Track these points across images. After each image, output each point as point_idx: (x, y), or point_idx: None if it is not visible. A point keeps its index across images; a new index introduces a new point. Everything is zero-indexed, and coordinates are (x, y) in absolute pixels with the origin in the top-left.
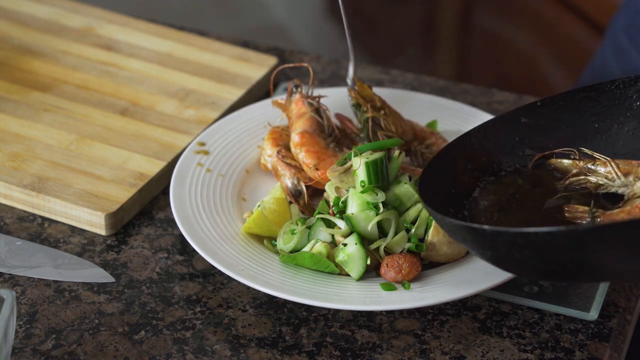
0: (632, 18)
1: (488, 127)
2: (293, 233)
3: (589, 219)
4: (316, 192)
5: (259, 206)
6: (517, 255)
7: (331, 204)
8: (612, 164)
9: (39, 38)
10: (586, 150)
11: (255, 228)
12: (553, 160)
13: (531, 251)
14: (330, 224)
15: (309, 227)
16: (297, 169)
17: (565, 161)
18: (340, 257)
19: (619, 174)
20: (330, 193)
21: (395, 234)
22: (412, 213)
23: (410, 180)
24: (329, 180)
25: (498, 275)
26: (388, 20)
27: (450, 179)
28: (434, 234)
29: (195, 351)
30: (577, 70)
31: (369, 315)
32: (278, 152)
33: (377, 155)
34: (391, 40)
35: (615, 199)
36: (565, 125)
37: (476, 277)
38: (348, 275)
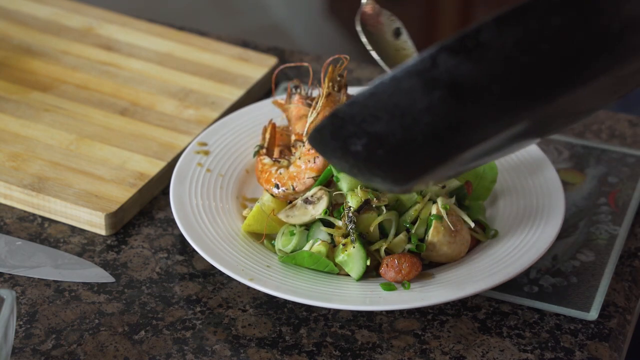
0: None
1: None
2: (292, 234)
3: None
4: None
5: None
6: (379, 128)
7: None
8: None
9: (39, 38)
10: None
11: (255, 225)
12: None
13: (389, 114)
14: (329, 224)
15: (308, 228)
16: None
17: None
18: (340, 257)
19: None
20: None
21: (396, 234)
22: (412, 213)
23: None
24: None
25: (498, 275)
26: None
27: None
28: (434, 234)
29: (195, 351)
30: None
31: (369, 315)
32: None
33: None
34: None
35: None
36: None
37: (476, 277)
38: (348, 275)
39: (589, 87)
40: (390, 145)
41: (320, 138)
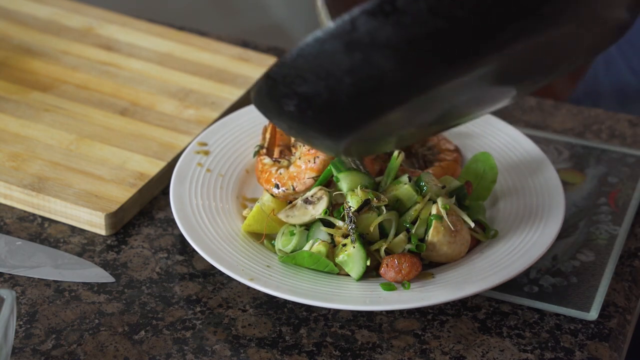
0: None
1: None
2: (292, 234)
3: None
4: None
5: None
6: (307, 89)
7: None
8: None
9: (39, 38)
10: None
11: (255, 225)
12: None
13: (314, 75)
14: (329, 224)
15: (308, 228)
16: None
17: None
18: (340, 257)
19: None
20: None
21: (396, 234)
22: (412, 213)
23: (409, 181)
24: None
25: (498, 275)
26: None
27: None
28: (434, 234)
29: (195, 351)
30: (577, 71)
31: (369, 315)
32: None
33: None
34: None
35: None
36: None
37: (476, 277)
38: (348, 275)
39: (517, 50)
40: (318, 106)
41: (260, 99)
